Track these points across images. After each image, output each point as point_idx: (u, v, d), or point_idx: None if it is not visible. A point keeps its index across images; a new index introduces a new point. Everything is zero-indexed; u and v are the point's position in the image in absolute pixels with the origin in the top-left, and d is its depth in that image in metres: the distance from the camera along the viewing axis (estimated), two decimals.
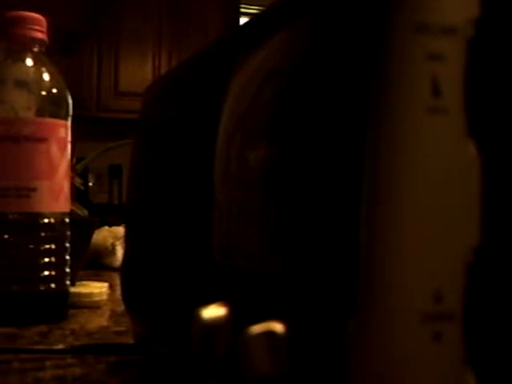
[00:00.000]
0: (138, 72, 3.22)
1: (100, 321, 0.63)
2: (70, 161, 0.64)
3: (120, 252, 1.02)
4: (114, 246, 1.03)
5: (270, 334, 0.24)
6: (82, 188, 0.89)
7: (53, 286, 0.61)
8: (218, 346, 0.27)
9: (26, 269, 0.60)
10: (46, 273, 0.60)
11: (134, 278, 0.43)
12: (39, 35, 0.63)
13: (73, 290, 0.67)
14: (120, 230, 1.04)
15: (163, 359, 0.39)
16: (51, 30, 0.65)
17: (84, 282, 0.74)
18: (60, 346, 0.49)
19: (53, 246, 0.61)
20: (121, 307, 0.64)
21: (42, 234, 0.61)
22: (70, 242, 0.64)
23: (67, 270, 0.63)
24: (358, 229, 0.20)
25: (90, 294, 0.70)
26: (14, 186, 0.60)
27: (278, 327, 0.24)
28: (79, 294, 0.69)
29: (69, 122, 0.64)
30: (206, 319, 0.27)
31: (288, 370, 0.23)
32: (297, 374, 0.23)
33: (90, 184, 3.05)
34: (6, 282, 0.60)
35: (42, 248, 0.61)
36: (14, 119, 0.61)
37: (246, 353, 0.24)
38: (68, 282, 0.63)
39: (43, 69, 0.63)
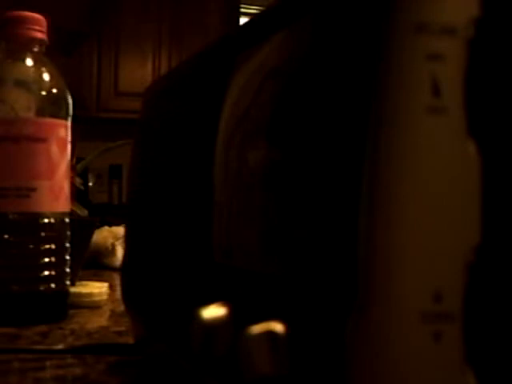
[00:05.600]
0: (138, 72, 3.22)
1: (100, 321, 0.63)
2: (70, 161, 0.64)
3: (120, 252, 1.02)
4: (113, 246, 1.03)
5: (270, 334, 0.24)
6: (82, 188, 0.89)
7: (53, 285, 0.61)
8: (218, 346, 0.27)
9: (26, 269, 0.60)
10: (46, 273, 0.60)
11: (134, 278, 0.43)
12: (39, 35, 0.63)
13: (73, 290, 0.67)
14: (120, 230, 1.04)
15: (163, 359, 0.39)
16: (51, 30, 0.65)
17: (84, 282, 0.74)
18: (60, 346, 0.49)
19: (53, 246, 0.61)
20: (121, 307, 0.64)
21: (42, 234, 0.61)
22: (69, 242, 0.64)
23: (67, 269, 0.63)
24: (357, 228, 0.20)
25: (90, 294, 0.70)
26: (14, 186, 0.60)
27: (278, 327, 0.24)
28: (79, 294, 0.68)
29: (69, 122, 0.64)
30: (206, 319, 0.27)
31: (288, 370, 0.23)
32: (297, 373, 0.23)
33: (90, 184, 3.05)
34: (5, 282, 0.60)
35: (42, 248, 0.60)
36: (14, 119, 0.61)
37: (245, 353, 0.24)
38: (68, 282, 0.63)
39: (43, 69, 0.63)
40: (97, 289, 0.71)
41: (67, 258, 0.63)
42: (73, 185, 0.75)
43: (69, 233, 0.64)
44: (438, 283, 0.20)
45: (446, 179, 0.20)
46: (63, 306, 0.63)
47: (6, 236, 0.60)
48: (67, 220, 0.63)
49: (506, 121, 0.21)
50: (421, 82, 0.20)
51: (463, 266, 0.20)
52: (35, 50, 0.63)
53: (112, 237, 1.04)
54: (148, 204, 0.41)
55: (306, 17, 0.25)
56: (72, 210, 0.68)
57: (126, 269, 0.45)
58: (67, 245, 0.63)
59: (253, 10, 3.48)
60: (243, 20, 3.39)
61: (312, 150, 0.23)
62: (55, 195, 0.61)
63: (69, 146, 0.64)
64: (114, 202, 3.27)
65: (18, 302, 0.59)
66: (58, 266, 0.62)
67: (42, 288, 0.60)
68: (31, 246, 0.60)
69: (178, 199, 0.36)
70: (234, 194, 0.29)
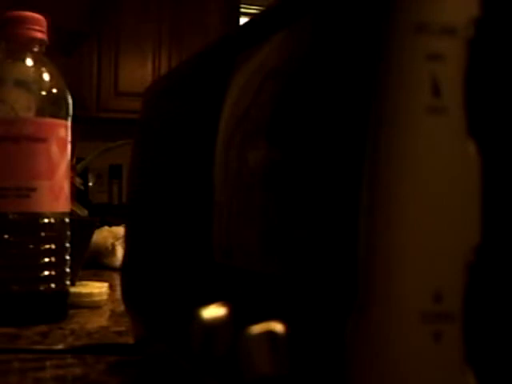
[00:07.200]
0: (138, 72, 3.22)
1: (100, 321, 0.63)
2: (70, 161, 0.64)
3: (120, 252, 1.02)
4: (113, 246, 1.03)
5: (270, 334, 0.24)
6: (82, 188, 0.89)
7: (53, 285, 0.61)
8: (218, 346, 0.27)
9: (26, 269, 0.60)
10: (46, 273, 0.60)
11: (134, 278, 0.43)
12: (39, 35, 0.63)
13: (73, 290, 0.67)
14: (120, 230, 1.04)
15: (163, 359, 0.39)
16: (51, 29, 0.65)
17: (84, 282, 0.74)
18: (60, 346, 0.49)
19: (53, 246, 0.61)
20: (121, 307, 0.64)
21: (42, 234, 0.61)
22: (69, 242, 0.64)
23: (67, 269, 0.63)
24: (357, 228, 0.20)
25: (90, 294, 0.70)
26: (14, 186, 0.60)
27: (278, 327, 0.24)
28: (79, 294, 0.68)
29: (69, 122, 0.64)
30: (206, 319, 0.27)
31: (288, 370, 0.23)
32: (297, 373, 0.23)
33: (90, 184, 3.05)
34: (6, 282, 0.60)
35: (42, 248, 0.60)
36: (14, 119, 0.61)
37: (246, 353, 0.24)
38: (68, 282, 0.63)
39: (43, 69, 0.63)
40: (97, 289, 0.71)
41: (67, 258, 0.63)
42: (73, 185, 0.75)
43: (69, 233, 0.64)
44: (438, 283, 0.20)
45: (446, 179, 0.20)
46: (63, 306, 0.63)
47: (6, 236, 0.60)
48: (67, 220, 0.63)
49: (506, 121, 0.21)
50: (421, 82, 0.20)
51: (463, 266, 0.20)
52: (35, 50, 0.63)
53: (112, 237, 1.04)
54: (148, 204, 0.41)
55: (306, 17, 0.25)
56: (72, 210, 0.68)
57: (126, 269, 0.45)
58: (67, 245, 0.63)
59: (253, 10, 3.47)
60: (243, 20, 3.39)
61: (312, 150, 0.23)
62: (55, 195, 0.61)
63: (69, 146, 0.64)
64: (114, 202, 3.27)
65: (18, 301, 0.59)
66: (58, 265, 0.62)
67: (42, 288, 0.60)
68: (31, 246, 0.60)
69: (178, 199, 0.36)
70: (234, 194, 0.29)
